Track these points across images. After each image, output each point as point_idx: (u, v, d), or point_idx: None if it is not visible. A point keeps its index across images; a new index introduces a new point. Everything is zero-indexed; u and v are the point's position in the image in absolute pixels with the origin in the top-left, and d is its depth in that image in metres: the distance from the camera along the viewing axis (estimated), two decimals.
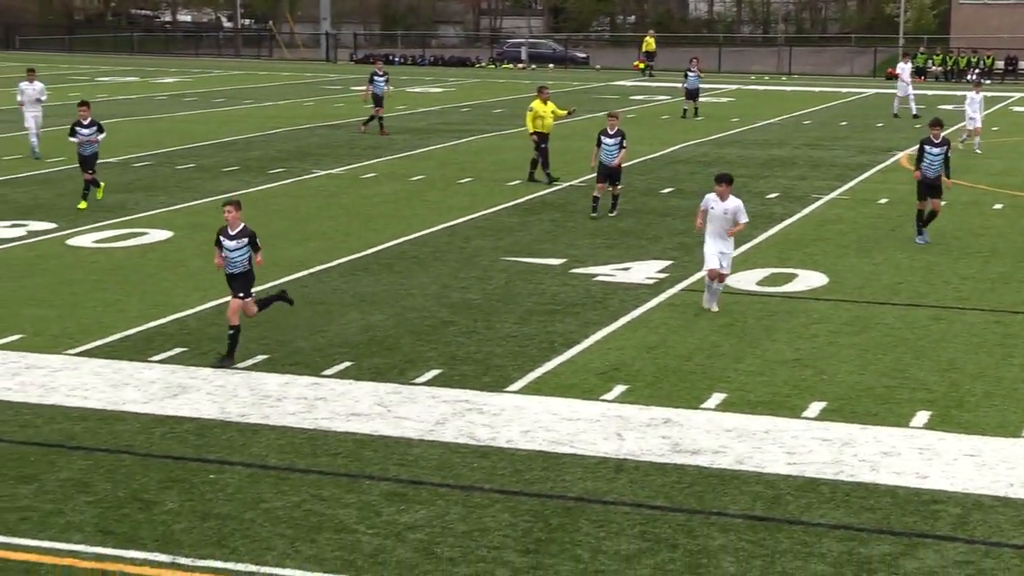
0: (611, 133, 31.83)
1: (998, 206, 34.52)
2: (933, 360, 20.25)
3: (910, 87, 59.16)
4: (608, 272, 25.98)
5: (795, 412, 17.65)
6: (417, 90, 71.40)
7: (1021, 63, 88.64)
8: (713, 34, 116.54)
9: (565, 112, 38.54)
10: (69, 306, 22.87)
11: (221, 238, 19.47)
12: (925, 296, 24.42)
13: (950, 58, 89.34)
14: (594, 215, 31.66)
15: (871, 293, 24.41)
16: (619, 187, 32.48)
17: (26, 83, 41.28)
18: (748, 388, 18.67)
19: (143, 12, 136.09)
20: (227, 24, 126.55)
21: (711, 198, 22.96)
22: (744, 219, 23.20)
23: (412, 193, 35.62)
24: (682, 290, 24.64)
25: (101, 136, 33.01)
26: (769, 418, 17.39)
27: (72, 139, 32.75)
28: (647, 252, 27.94)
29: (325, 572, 12.73)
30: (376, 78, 50.38)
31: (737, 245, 28.92)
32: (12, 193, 34.93)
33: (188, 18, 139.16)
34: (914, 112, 58.03)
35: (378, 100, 50.31)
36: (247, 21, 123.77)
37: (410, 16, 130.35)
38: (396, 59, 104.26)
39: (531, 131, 37.25)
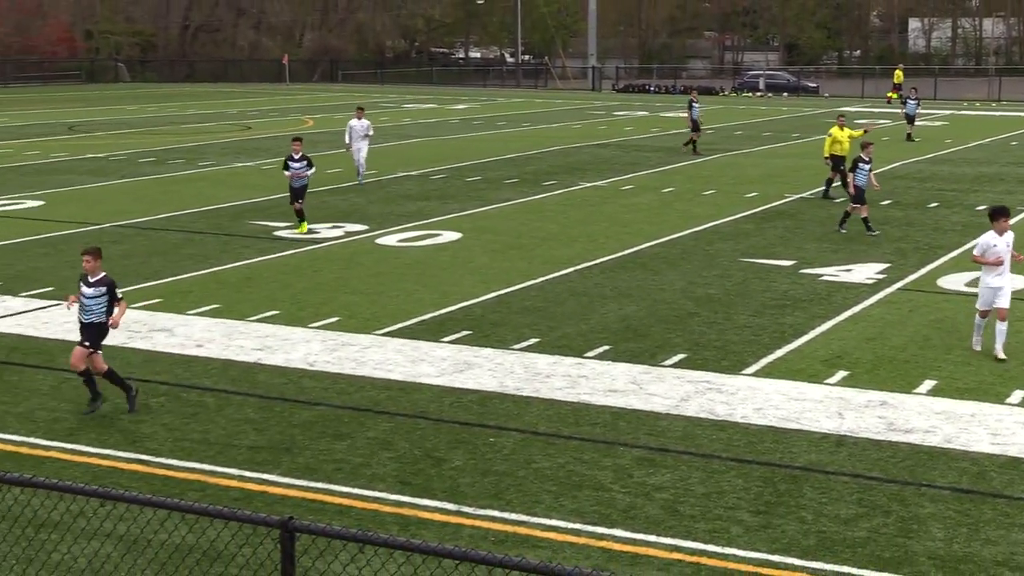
0: (866, 159, 29.86)
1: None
2: None
3: None
4: (832, 273, 25.55)
5: (999, 399, 17.13)
6: (669, 115, 71.08)
7: None
8: (930, 66, 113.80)
9: (860, 132, 37.57)
10: (376, 294, 23.29)
11: (80, 283, 16.39)
12: None
13: None
14: (843, 230, 30.27)
15: None
16: (865, 209, 30.30)
17: (355, 120, 38.57)
18: (956, 376, 18.18)
19: (441, 50, 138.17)
20: (509, 59, 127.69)
21: (990, 237, 19.32)
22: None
23: (663, 203, 35.48)
24: (898, 289, 24.07)
25: (310, 171, 30.05)
26: (975, 403, 16.91)
27: (285, 172, 30.12)
28: (867, 256, 27.39)
29: (584, 523, 12.74)
30: (693, 105, 49.62)
31: (950, 250, 28.39)
32: (333, 200, 35.70)
33: (478, 54, 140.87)
34: None
35: (695, 125, 49.54)
36: (526, 57, 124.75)
37: (664, 52, 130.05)
38: (651, 88, 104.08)
39: (826, 155, 36.22)
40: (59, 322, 21.06)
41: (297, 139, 30.47)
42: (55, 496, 12.79)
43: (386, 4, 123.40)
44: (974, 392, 17.40)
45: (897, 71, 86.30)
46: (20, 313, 21.86)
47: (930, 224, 32.04)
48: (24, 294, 23.25)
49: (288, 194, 30.56)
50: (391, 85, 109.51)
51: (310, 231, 29.71)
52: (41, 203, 34.92)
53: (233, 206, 34.49)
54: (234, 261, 26.45)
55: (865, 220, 29.92)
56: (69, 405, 16.48)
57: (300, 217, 29.86)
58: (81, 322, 16.32)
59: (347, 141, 38.65)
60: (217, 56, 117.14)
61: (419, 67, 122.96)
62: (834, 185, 36.14)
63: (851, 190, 30.23)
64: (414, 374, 18.14)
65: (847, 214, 30.49)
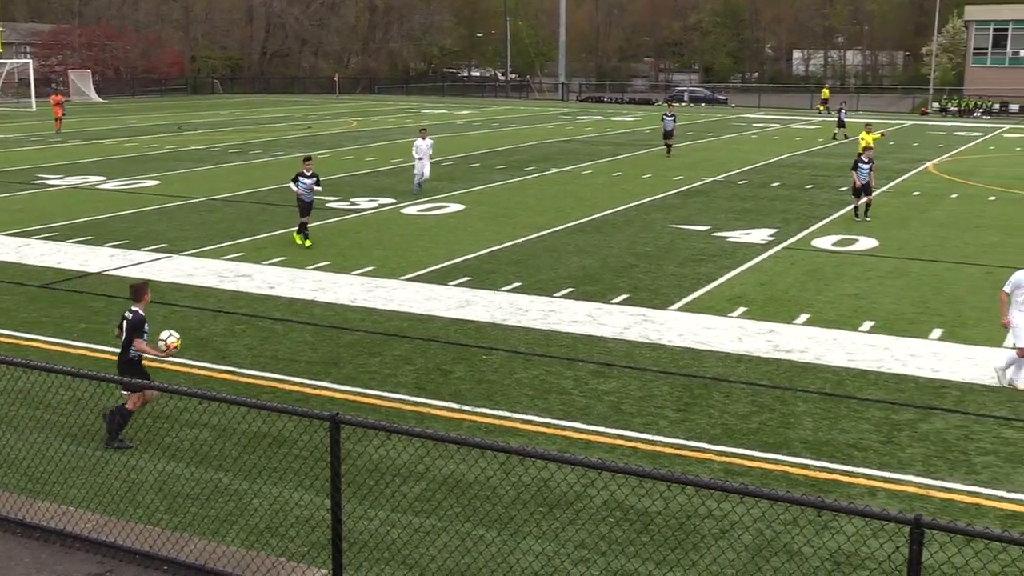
0: (866, 160, 27.73)
1: (992, 198, 32.99)
2: (945, 296, 19.48)
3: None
4: (736, 235, 25.47)
5: (854, 327, 17.14)
6: (618, 119, 70.70)
7: (1010, 106, 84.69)
8: (808, 85, 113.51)
9: (879, 135, 36.52)
10: (401, 250, 23.19)
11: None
12: (941, 255, 23.46)
13: (963, 101, 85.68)
14: (857, 218, 27.67)
15: (906, 252, 23.53)
16: (870, 196, 28.02)
17: (420, 140, 32.39)
18: (824, 311, 18.18)
19: (450, 70, 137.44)
20: (501, 77, 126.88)
21: (1021, 276, 14.32)
22: None
23: (613, 184, 35.33)
24: (783, 248, 24.02)
25: (319, 188, 23.80)
26: (836, 331, 16.92)
27: (293, 187, 23.57)
28: (761, 223, 27.32)
29: (552, 418, 12.74)
30: (666, 118, 44.44)
31: (821, 219, 28.31)
32: (370, 181, 35.52)
33: (477, 73, 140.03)
34: None
35: (667, 134, 44.38)
36: (513, 75, 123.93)
37: (615, 72, 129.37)
38: (605, 99, 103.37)
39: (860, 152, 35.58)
40: (171, 268, 20.99)
41: (308, 158, 24.15)
42: (166, 396, 12.80)
43: (411, 36, 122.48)
44: (835, 323, 17.41)
45: (824, 89, 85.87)
46: (142, 264, 21.76)
47: (807, 200, 31.97)
48: (145, 248, 23.14)
49: (297, 206, 23.92)
50: (413, 96, 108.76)
51: (305, 239, 23.62)
52: (157, 182, 34.67)
53: None
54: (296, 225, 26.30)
55: (867, 207, 28.01)
56: (177, 331, 16.43)
57: (305, 232, 23.59)
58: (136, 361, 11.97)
59: (415, 156, 32.30)
60: (286, 75, 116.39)
61: (434, 83, 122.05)
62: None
63: (857, 184, 27.79)
64: (428, 308, 18.10)
65: (868, 205, 28.15)
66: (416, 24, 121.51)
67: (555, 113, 79.13)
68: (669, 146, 44.72)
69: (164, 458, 11.34)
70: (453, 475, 10.86)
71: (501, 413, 12.90)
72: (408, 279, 20.45)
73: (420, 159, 32.19)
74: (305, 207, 23.54)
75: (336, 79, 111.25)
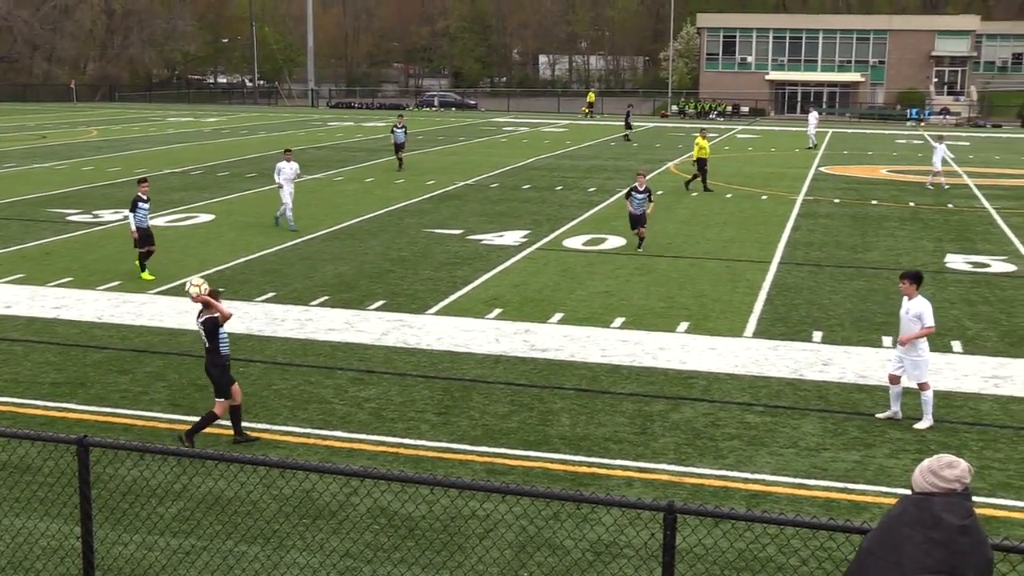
0: (640, 189, 24.33)
1: (729, 195, 34.80)
2: (690, 290, 20.40)
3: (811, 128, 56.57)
4: (489, 238, 25.88)
5: (606, 324, 17.71)
6: (369, 124, 70.52)
7: (741, 108, 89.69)
8: (554, 89, 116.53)
9: (707, 143, 36.52)
10: (150, 263, 22.26)
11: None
12: (685, 251, 24.57)
13: (699, 104, 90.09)
14: (640, 250, 24.05)
15: (652, 250, 24.50)
16: (643, 229, 24.47)
17: (284, 162, 26.96)
18: (577, 309, 18.70)
19: (196, 77, 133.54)
20: (249, 84, 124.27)
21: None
22: (930, 322, 12.62)
23: (366, 190, 35.21)
24: (536, 249, 24.58)
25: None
26: (590, 328, 17.44)
27: (130, 214, 21.11)
28: (514, 225, 27.86)
29: (313, 428, 12.59)
30: (396, 130, 41.33)
31: (570, 220, 29.12)
32: (115, 192, 34.05)
33: (224, 79, 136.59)
34: (810, 144, 55.52)
35: (399, 147, 41.21)
36: (261, 81, 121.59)
37: (365, 78, 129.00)
38: (356, 104, 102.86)
39: (695, 157, 35.79)
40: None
41: (144, 180, 21.63)
42: None
43: (152, 42, 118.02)
44: (588, 320, 17.94)
45: (591, 93, 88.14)
46: None
47: (557, 202, 32.82)
48: None
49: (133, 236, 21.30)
50: (157, 103, 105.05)
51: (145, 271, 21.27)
52: None
53: (32, 198, 32.48)
54: (35, 240, 24.98)
55: (640, 240, 24.49)
56: None
57: (145, 259, 21.28)
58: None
59: (277, 182, 27.05)
60: (16, 81, 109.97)
61: (179, 90, 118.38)
62: (695, 182, 36.16)
63: (632, 213, 24.52)
64: (180, 323, 17.53)
65: (641, 239, 24.60)
66: (158, 29, 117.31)
67: (305, 119, 78.17)
68: (400, 159, 41.33)
69: None
70: (212, 492, 10.57)
71: (260, 425, 12.64)
72: (157, 293, 19.76)
73: (282, 187, 26.71)
74: (146, 236, 21.10)
75: (73, 86, 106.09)
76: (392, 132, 41.70)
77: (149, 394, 13.85)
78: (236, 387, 12.22)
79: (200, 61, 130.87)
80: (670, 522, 6.05)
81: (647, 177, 24.12)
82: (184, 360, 15.40)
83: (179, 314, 18.05)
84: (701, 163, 35.82)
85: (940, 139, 38.40)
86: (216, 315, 12.08)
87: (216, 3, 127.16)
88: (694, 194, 34.74)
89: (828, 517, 9.52)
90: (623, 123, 61.50)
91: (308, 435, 12.38)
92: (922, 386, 12.91)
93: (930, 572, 4.70)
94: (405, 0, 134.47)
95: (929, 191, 36.50)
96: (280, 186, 26.83)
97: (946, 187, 37.07)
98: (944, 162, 37.89)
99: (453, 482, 6.73)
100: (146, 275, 20.97)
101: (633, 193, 24.51)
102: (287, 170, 26.92)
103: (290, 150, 28.24)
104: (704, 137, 36.61)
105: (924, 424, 12.91)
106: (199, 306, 12.30)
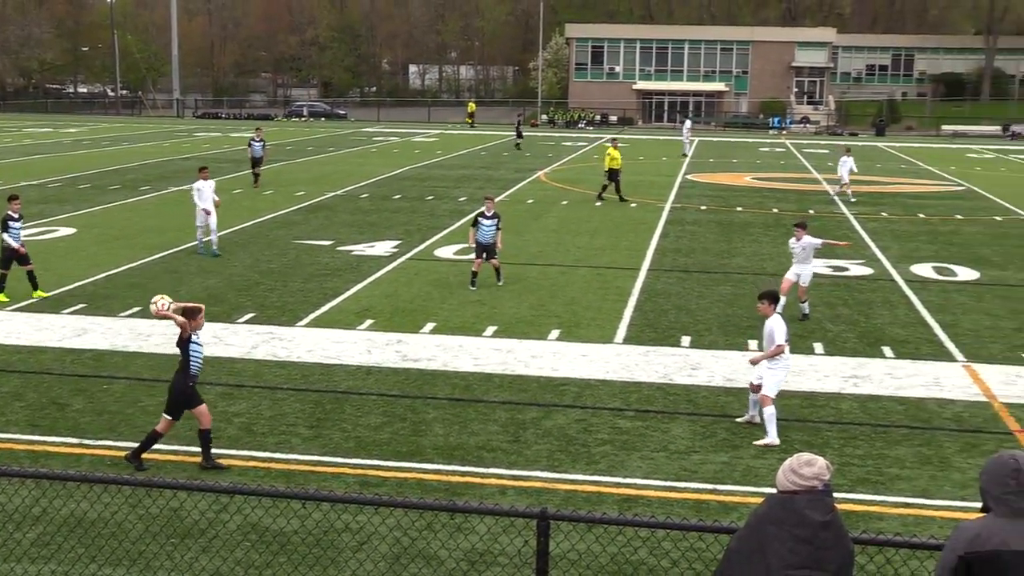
0: (488, 215, 21.36)
1: (599, 203, 35.25)
2: (561, 298, 20.59)
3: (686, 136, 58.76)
4: (360, 249, 25.73)
5: (478, 333, 17.76)
6: (236, 135, 69.40)
7: (610, 117, 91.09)
8: (424, 99, 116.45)
9: (619, 153, 36.32)
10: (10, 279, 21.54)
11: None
12: (555, 259, 24.81)
13: (568, 113, 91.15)
14: (472, 288, 21.10)
15: (523, 258, 24.67)
16: (496, 260, 21.67)
17: (201, 181, 24.71)
18: (449, 319, 18.71)
19: (54, 86, 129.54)
20: (111, 93, 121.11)
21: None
22: (779, 340, 12.65)
23: (233, 201, 34.58)
24: (407, 259, 24.52)
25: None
26: (462, 337, 17.47)
27: (4, 234, 19.88)
28: (384, 235, 27.75)
29: (178, 444, 12.32)
30: (254, 143, 38.55)
31: (442, 230, 29.09)
32: None
33: (85, 89, 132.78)
34: (684, 152, 57.29)
35: (256, 161, 38.50)
36: (124, 91, 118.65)
37: (232, 88, 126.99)
38: (223, 115, 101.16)
39: (607, 167, 35.56)
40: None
41: (15, 197, 20.35)
42: None
43: (6, 49, 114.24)
44: (461, 330, 17.97)
45: (471, 103, 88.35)
46: None
47: (428, 211, 32.80)
48: None
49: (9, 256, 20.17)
50: (12, 114, 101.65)
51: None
52: None
53: None
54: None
55: (496, 272, 21.76)
56: None
57: (33, 281, 20.10)
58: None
59: (198, 203, 24.60)
60: None
61: (36, 99, 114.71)
62: (607, 192, 36.08)
63: (471, 242, 21.60)
64: (39, 340, 16.98)
65: (497, 270, 21.91)
66: (12, 36, 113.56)
67: (171, 130, 76.58)
68: (257, 175, 38.65)
69: None
70: (74, 514, 10.24)
71: (125, 444, 12.30)
72: (13, 310, 19.09)
73: (209, 212, 24.44)
74: (22, 256, 19.91)
75: None
76: (249, 146, 38.86)
77: (6, 414, 13.36)
78: (204, 409, 11.66)
79: (58, 69, 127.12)
80: (543, 529, 6.09)
81: (496, 201, 22.89)
82: (44, 379, 14.91)
83: (38, 331, 17.48)
84: (613, 173, 35.82)
85: (848, 151, 39.52)
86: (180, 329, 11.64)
87: (74, 10, 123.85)
88: (597, 204, 34.94)
89: (698, 518, 9.72)
90: (514, 132, 62.20)
91: (176, 452, 12.11)
92: (763, 399, 12.72)
93: (795, 568, 4.84)
94: (273, 9, 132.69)
95: (831, 200, 37.38)
96: (207, 212, 24.38)
97: (853, 199, 37.06)
98: (851, 172, 38.23)
99: (326, 496, 6.66)
100: (41, 293, 20.04)
101: (480, 220, 21.43)
102: (207, 190, 24.56)
103: (206, 168, 25.76)
104: (615, 147, 36.60)
105: (767, 440, 12.52)
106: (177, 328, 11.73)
